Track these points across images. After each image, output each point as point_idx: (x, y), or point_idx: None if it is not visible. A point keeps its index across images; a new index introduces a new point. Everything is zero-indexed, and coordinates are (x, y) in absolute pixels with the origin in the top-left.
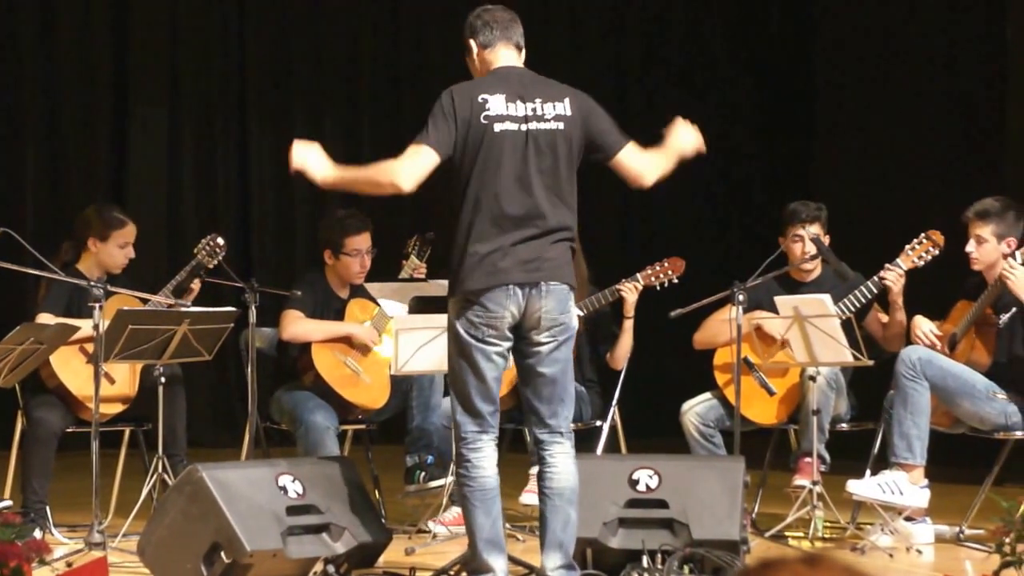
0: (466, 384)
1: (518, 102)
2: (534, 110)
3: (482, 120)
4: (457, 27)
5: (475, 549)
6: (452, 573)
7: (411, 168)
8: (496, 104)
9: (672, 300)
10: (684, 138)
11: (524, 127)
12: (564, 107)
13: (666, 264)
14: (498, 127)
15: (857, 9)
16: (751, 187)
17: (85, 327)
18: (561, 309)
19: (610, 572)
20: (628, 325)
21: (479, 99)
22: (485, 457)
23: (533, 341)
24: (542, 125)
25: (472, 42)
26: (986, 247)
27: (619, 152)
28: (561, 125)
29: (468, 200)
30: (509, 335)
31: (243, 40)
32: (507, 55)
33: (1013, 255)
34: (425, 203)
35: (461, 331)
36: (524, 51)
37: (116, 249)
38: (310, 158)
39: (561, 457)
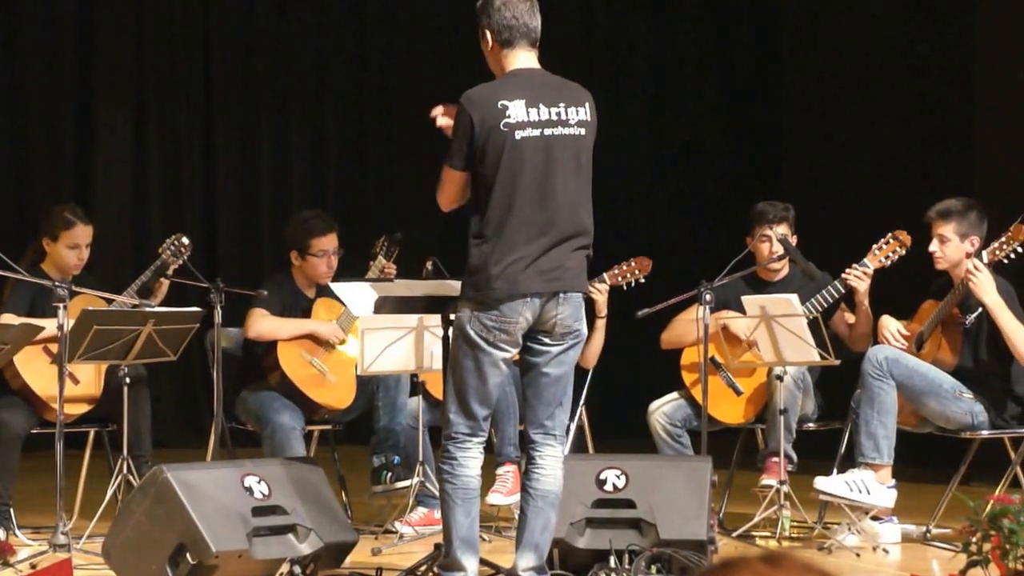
0: (466, 385)
1: (540, 106)
2: (558, 115)
3: (502, 128)
4: (424, 27)
5: (450, 547)
6: (419, 573)
7: (448, 196)
8: (516, 111)
9: (639, 300)
10: None
11: (547, 132)
12: (586, 112)
13: (633, 264)
14: (519, 134)
15: (825, 9)
16: (718, 187)
17: (49, 327)
18: (576, 316)
19: (577, 572)
20: (600, 324)
21: (499, 105)
22: (471, 458)
23: (544, 343)
24: (566, 131)
25: (489, 34)
26: (949, 246)
27: None
28: (583, 131)
29: (489, 206)
30: (520, 341)
31: (208, 40)
32: (526, 56)
33: (979, 255)
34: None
35: (472, 333)
36: (538, 42)
37: (66, 250)
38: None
39: (551, 460)
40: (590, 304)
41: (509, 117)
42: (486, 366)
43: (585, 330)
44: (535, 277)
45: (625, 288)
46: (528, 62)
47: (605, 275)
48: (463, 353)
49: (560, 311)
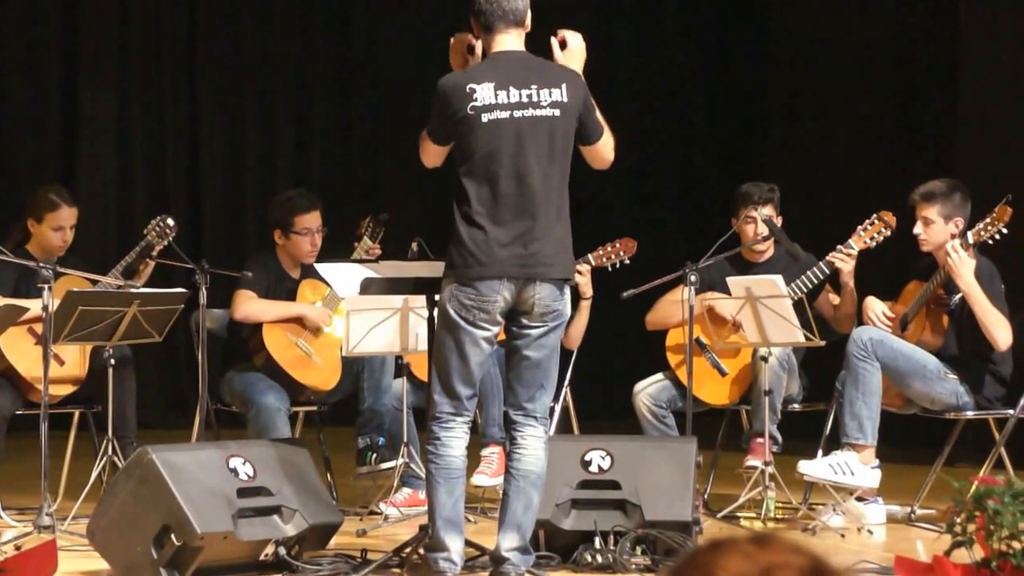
0: (449, 364)
1: (510, 88)
2: (529, 96)
3: (469, 111)
4: (408, 14)
5: (433, 527)
6: (405, 555)
7: (427, 159)
8: (484, 93)
9: (624, 281)
10: (572, 50)
11: (516, 114)
12: (561, 93)
13: (618, 245)
14: (486, 117)
15: None
16: (704, 168)
17: (34, 307)
18: (555, 297)
19: (563, 553)
20: (584, 306)
21: (467, 89)
22: (456, 438)
23: (524, 325)
24: (537, 112)
25: (473, 21)
26: (933, 228)
27: (596, 142)
28: (557, 112)
29: (465, 187)
30: (500, 320)
31: (193, 21)
32: (507, 39)
33: (963, 235)
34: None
35: (452, 312)
36: (528, 25)
37: (50, 231)
38: None
39: (532, 440)
40: (574, 285)
41: (476, 100)
42: (467, 345)
43: (568, 311)
44: (510, 260)
45: (610, 269)
46: (510, 44)
47: (590, 256)
48: (444, 332)
49: (538, 292)
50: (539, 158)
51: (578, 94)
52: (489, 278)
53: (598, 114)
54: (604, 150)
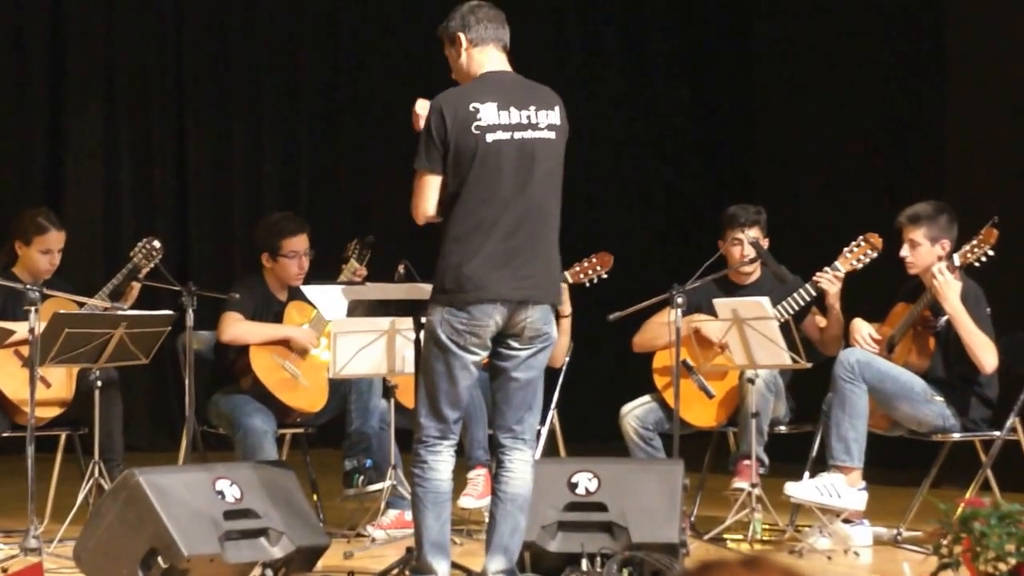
0: (437, 388)
1: (511, 109)
2: (528, 118)
3: (474, 130)
4: (396, 37)
5: (420, 550)
6: None
7: (423, 203)
8: (487, 113)
9: (612, 303)
10: None
11: (517, 135)
12: (556, 116)
13: (594, 260)
14: (490, 137)
15: (797, 12)
16: (691, 190)
17: (20, 330)
18: (545, 320)
19: (549, 575)
20: (565, 324)
21: (471, 108)
22: (442, 461)
23: (513, 347)
24: (536, 134)
25: (463, 36)
26: (920, 251)
27: None
28: (553, 135)
29: (460, 209)
30: (490, 344)
31: (180, 41)
32: (496, 57)
33: (949, 258)
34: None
35: (443, 336)
36: (509, 52)
37: (38, 255)
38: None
39: (520, 464)
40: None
41: (480, 120)
42: (456, 369)
43: (555, 333)
44: (505, 282)
45: (588, 285)
46: (500, 64)
47: (567, 273)
48: (434, 356)
49: (530, 315)
50: (536, 180)
51: (565, 117)
52: (484, 302)
53: None
54: None
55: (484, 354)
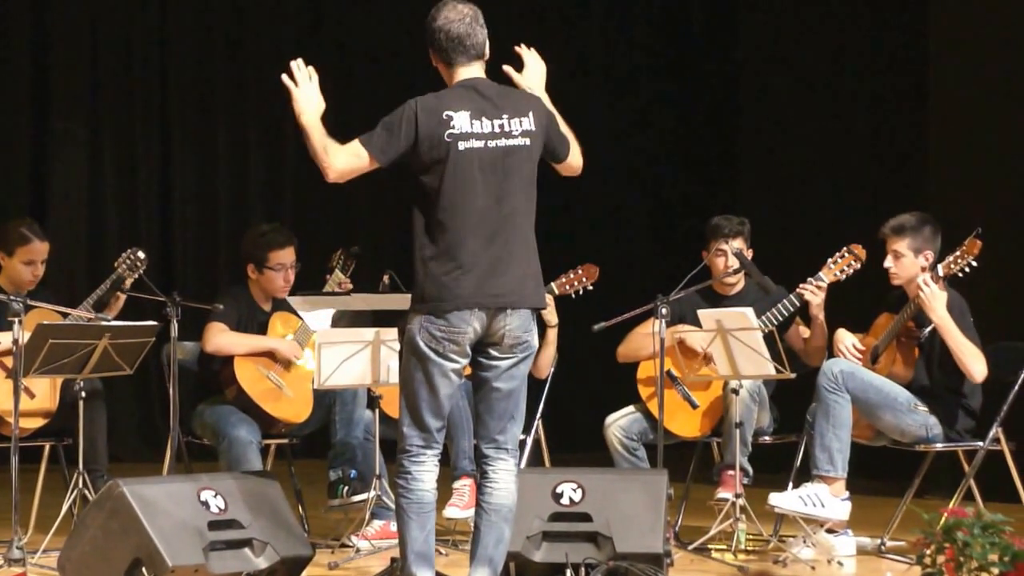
0: (418, 397)
1: (484, 118)
2: (501, 126)
3: (446, 138)
4: (381, 50)
5: (405, 561)
6: None
7: (344, 164)
8: (461, 121)
9: (596, 314)
10: (532, 74)
11: (491, 144)
12: (529, 122)
13: (580, 272)
14: (463, 145)
15: (780, 21)
16: (675, 201)
17: (4, 341)
18: (525, 328)
19: None
20: (551, 335)
21: (444, 116)
22: (426, 471)
23: (493, 356)
24: (510, 142)
25: (432, 53)
26: (904, 262)
27: (565, 157)
28: (527, 141)
29: (435, 218)
30: (469, 352)
31: (165, 53)
32: (467, 69)
33: (934, 268)
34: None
35: (421, 344)
36: (487, 54)
37: (21, 265)
38: (307, 90)
39: (504, 474)
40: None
41: (453, 128)
42: (436, 377)
43: (536, 342)
44: (482, 290)
45: (574, 296)
46: (473, 72)
47: (553, 285)
48: (413, 365)
49: (508, 322)
50: (510, 188)
51: (542, 119)
52: (461, 308)
53: (563, 126)
54: (574, 162)
55: (464, 361)
